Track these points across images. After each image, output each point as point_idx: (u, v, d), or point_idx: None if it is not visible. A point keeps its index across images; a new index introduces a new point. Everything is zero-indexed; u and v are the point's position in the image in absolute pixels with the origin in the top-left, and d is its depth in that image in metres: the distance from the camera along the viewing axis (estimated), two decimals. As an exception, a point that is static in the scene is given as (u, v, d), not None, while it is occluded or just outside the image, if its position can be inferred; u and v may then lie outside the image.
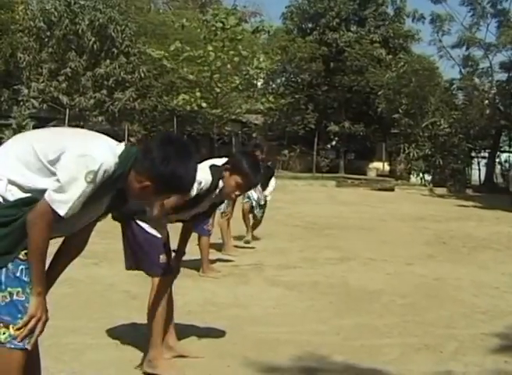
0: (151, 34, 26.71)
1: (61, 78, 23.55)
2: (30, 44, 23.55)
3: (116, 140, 2.39)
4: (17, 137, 2.39)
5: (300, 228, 11.13)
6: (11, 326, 2.15)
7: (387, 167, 32.16)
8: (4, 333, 2.14)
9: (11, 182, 2.17)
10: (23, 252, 2.17)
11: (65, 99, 23.45)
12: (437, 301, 5.76)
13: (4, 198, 2.16)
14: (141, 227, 3.58)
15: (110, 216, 3.58)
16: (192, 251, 6.44)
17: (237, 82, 23.81)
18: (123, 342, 4.06)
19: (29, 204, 2.15)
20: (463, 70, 30.11)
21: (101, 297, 5.43)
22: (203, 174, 3.45)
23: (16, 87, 24.42)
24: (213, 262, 7.12)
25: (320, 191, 21.00)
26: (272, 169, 8.85)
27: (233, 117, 26.88)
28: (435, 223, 12.89)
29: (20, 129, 19.22)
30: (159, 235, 3.60)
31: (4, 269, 2.16)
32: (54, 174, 2.16)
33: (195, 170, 2.38)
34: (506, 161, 29.78)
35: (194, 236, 6.39)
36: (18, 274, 2.17)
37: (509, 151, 30.35)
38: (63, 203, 2.13)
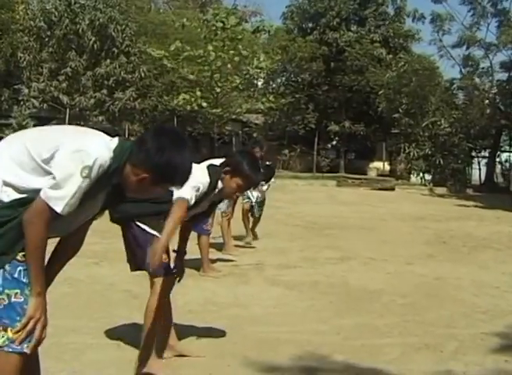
0: (151, 34, 26.71)
1: (61, 78, 23.56)
2: (30, 44, 23.56)
3: None
4: (10, 137, 2.35)
5: (300, 228, 11.13)
6: (9, 329, 2.11)
7: (387, 167, 32.14)
8: (2, 337, 2.10)
9: (5, 183, 2.14)
10: (21, 254, 2.14)
11: (65, 99, 23.45)
12: (437, 300, 5.76)
13: None
14: (142, 229, 3.58)
15: (109, 218, 3.61)
16: (192, 251, 6.45)
17: (238, 82, 23.80)
18: (124, 342, 4.06)
19: (24, 204, 2.11)
20: (463, 70, 30.10)
21: (102, 296, 5.43)
22: (200, 177, 3.44)
23: (16, 86, 24.44)
24: (213, 261, 7.13)
25: (320, 190, 20.99)
26: (272, 169, 8.86)
27: (234, 117, 26.88)
28: (436, 222, 12.89)
29: (21, 128, 19.20)
30: (159, 236, 3.57)
31: (1, 271, 2.12)
32: (48, 173, 2.13)
33: (190, 159, 2.36)
34: (506, 160, 29.78)
35: (194, 235, 6.40)
36: (16, 275, 2.14)
37: (509, 151, 30.35)
38: (59, 200, 2.10)
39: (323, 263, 7.61)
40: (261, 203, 8.87)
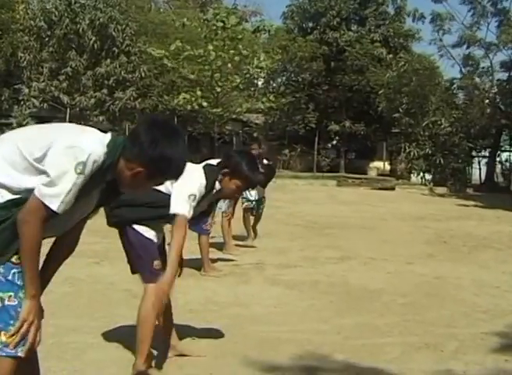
0: (151, 33, 26.70)
1: (61, 77, 23.56)
2: (30, 44, 23.55)
3: None
4: (2, 137, 2.30)
5: (300, 227, 11.14)
6: (3, 333, 2.07)
7: (388, 166, 32.14)
8: None
9: None
10: (15, 256, 2.09)
11: (65, 98, 23.45)
12: (438, 300, 5.77)
13: None
14: (136, 231, 3.51)
15: (106, 222, 3.61)
16: (192, 251, 6.46)
17: (238, 81, 23.78)
18: (124, 341, 4.06)
19: (18, 205, 2.07)
20: (463, 69, 30.10)
21: (103, 296, 5.44)
22: (196, 182, 3.40)
23: (16, 86, 24.44)
24: (214, 261, 7.13)
25: (320, 190, 21.00)
26: (273, 169, 8.86)
27: (234, 116, 26.86)
28: (436, 222, 12.89)
29: (21, 128, 19.20)
30: (155, 240, 3.54)
31: None
32: (41, 172, 2.08)
33: (185, 150, 2.30)
34: (506, 160, 29.76)
35: (194, 235, 6.41)
36: (10, 278, 2.09)
37: (509, 151, 30.33)
38: (54, 197, 2.05)
39: (323, 263, 7.62)
40: (260, 201, 8.88)
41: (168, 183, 3.37)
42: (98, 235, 6.91)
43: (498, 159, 29.62)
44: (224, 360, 3.91)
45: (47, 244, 2.31)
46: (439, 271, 7.21)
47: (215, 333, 4.37)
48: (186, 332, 4.19)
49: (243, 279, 6.50)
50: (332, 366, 3.90)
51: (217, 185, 3.60)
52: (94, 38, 23.64)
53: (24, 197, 2.08)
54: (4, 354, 2.07)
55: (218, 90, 23.32)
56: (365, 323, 4.88)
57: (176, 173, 2.31)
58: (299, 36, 31.02)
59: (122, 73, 23.96)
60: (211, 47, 22.26)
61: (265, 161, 9.14)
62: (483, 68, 29.63)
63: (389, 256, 8.15)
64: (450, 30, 30.35)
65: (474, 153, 29.40)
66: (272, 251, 8.26)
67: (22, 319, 2.08)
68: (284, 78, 33.41)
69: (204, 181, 3.47)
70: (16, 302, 2.09)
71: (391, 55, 30.31)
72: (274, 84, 33.48)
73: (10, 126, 21.14)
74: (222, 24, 22.63)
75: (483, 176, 29.29)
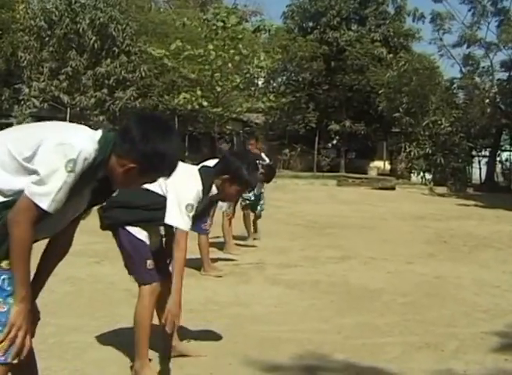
0: (151, 33, 26.70)
1: (62, 77, 23.55)
2: (30, 43, 23.54)
3: None
4: None
5: (301, 227, 11.14)
6: None
7: (388, 166, 32.14)
8: None
9: None
10: (6, 261, 2.03)
11: (65, 98, 23.45)
12: (438, 299, 5.77)
13: None
14: (128, 232, 3.48)
15: (99, 225, 3.60)
16: (192, 250, 6.46)
17: (238, 81, 23.79)
18: (125, 341, 4.06)
19: (9, 207, 2.01)
20: (463, 69, 30.09)
21: (103, 295, 5.45)
22: (192, 191, 3.33)
23: (16, 86, 24.44)
24: (214, 261, 7.13)
25: (321, 190, 21.00)
26: (273, 169, 8.86)
27: (234, 116, 26.87)
28: (436, 221, 12.90)
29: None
30: (147, 241, 3.51)
31: None
32: (32, 172, 2.02)
33: (178, 145, 2.25)
34: (506, 160, 29.73)
35: (194, 234, 6.41)
36: None
37: (510, 150, 30.32)
38: (44, 196, 1.99)
39: (324, 262, 7.62)
40: (259, 196, 8.88)
41: (163, 183, 3.37)
42: (99, 235, 6.89)
43: (498, 159, 29.60)
44: (224, 360, 3.91)
45: (41, 244, 2.27)
46: (439, 271, 7.22)
47: (215, 333, 4.37)
48: (186, 332, 4.19)
49: (244, 278, 6.50)
50: (333, 366, 3.91)
51: (213, 189, 3.55)
52: (94, 38, 23.64)
53: (16, 199, 2.02)
54: None
55: (219, 89, 23.33)
56: (366, 323, 4.89)
57: (169, 169, 2.22)
58: (299, 35, 31.02)
59: (123, 72, 23.96)
60: (211, 46, 22.28)
61: (265, 157, 9.24)
62: (483, 68, 29.62)
63: (389, 256, 8.16)
64: (450, 29, 30.38)
65: (474, 153, 29.37)
66: (272, 251, 8.27)
67: (10, 324, 2.02)
68: (284, 78, 33.41)
69: (200, 187, 3.41)
70: (6, 309, 2.03)
71: (391, 55, 30.30)
72: (274, 84, 33.49)
73: (10, 126, 21.11)
74: (222, 24, 22.64)
75: (483, 176, 29.27)
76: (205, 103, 22.73)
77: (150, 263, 3.48)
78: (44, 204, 2.00)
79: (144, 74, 24.34)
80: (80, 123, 2.43)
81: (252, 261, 7.47)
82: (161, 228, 3.68)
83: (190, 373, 3.70)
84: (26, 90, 23.30)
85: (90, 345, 4.04)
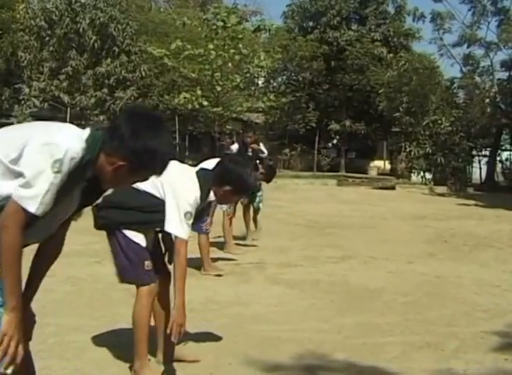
0: (151, 33, 26.71)
1: (62, 77, 23.53)
2: (30, 43, 23.53)
3: None
4: None
5: (301, 227, 11.14)
6: None
7: (388, 166, 32.14)
8: None
9: None
10: None
11: (66, 98, 23.44)
12: (438, 299, 5.77)
13: None
14: (124, 235, 3.47)
15: (93, 225, 3.60)
16: (192, 250, 6.46)
17: (238, 80, 23.78)
18: (125, 340, 4.06)
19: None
20: (463, 69, 30.07)
21: (103, 295, 5.45)
22: (190, 197, 3.28)
23: (16, 85, 24.40)
24: (215, 260, 7.14)
25: (321, 189, 21.01)
26: (274, 169, 8.83)
27: (234, 116, 26.87)
28: (436, 221, 12.90)
29: (21, 128, 19.19)
30: (143, 244, 3.48)
31: None
32: (18, 175, 1.95)
33: (169, 141, 2.20)
34: (507, 159, 29.71)
35: (194, 234, 6.41)
36: None
37: (510, 150, 30.31)
38: (31, 199, 1.92)
39: (324, 262, 7.62)
40: (257, 188, 8.87)
41: (160, 186, 3.35)
42: (99, 235, 6.90)
43: (498, 158, 29.58)
44: (224, 359, 3.91)
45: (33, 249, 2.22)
46: (439, 270, 7.22)
47: (215, 333, 4.37)
48: (186, 332, 4.19)
49: (244, 278, 6.50)
50: (333, 365, 3.91)
51: (211, 196, 3.50)
52: (94, 37, 23.63)
53: (4, 204, 1.96)
54: None
55: (219, 89, 23.33)
56: (366, 322, 4.89)
57: (160, 167, 2.14)
58: (299, 35, 31.02)
59: (123, 72, 23.95)
60: (211, 46, 22.27)
61: (263, 148, 9.31)
62: (483, 67, 29.60)
63: (389, 255, 8.16)
64: (450, 29, 30.32)
65: (474, 152, 29.36)
66: (272, 251, 8.27)
67: (2, 334, 1.96)
68: (284, 77, 33.41)
69: (198, 193, 3.35)
70: None
71: (391, 55, 30.29)
72: (274, 84, 33.48)
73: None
74: (222, 23, 22.63)
75: (483, 176, 29.26)
76: (205, 103, 22.73)
77: (148, 264, 3.46)
78: (32, 207, 1.94)
79: (144, 74, 24.34)
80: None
81: (252, 260, 7.48)
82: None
83: (190, 373, 3.70)
84: (27, 90, 23.28)
85: (90, 345, 4.04)
